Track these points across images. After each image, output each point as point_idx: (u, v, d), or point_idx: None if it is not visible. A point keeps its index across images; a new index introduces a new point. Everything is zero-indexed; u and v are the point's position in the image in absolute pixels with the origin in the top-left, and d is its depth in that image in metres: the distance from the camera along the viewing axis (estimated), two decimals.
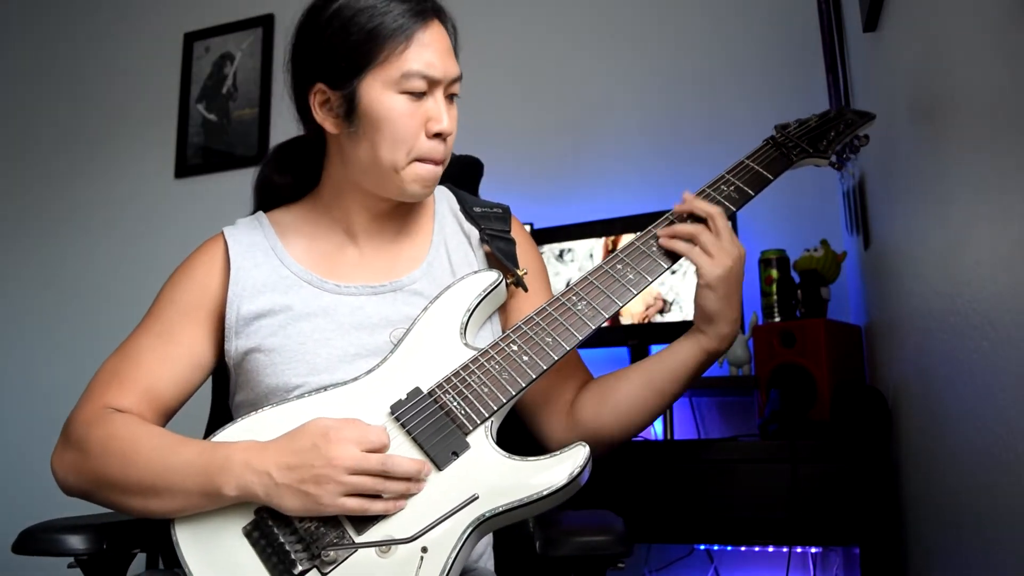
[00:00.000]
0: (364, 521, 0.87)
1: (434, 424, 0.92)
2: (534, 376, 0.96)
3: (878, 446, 1.33)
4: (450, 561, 0.84)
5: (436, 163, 1.05)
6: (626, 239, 1.05)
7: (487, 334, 1.07)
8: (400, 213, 1.13)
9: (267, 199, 1.18)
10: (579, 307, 1.01)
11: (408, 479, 0.87)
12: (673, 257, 1.05)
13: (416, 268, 1.10)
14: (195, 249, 1.12)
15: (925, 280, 1.03)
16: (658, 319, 1.84)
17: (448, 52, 1.05)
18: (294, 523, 0.88)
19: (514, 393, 0.95)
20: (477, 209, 1.17)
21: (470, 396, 0.94)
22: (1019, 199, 0.64)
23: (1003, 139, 0.68)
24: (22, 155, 2.95)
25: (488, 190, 1.37)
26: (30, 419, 2.66)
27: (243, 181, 1.23)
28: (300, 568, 0.85)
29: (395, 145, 1.01)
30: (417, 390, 0.95)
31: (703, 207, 1.05)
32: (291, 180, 1.17)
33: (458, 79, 1.05)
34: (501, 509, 0.87)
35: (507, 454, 0.91)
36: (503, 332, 1.03)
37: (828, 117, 1.20)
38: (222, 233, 1.11)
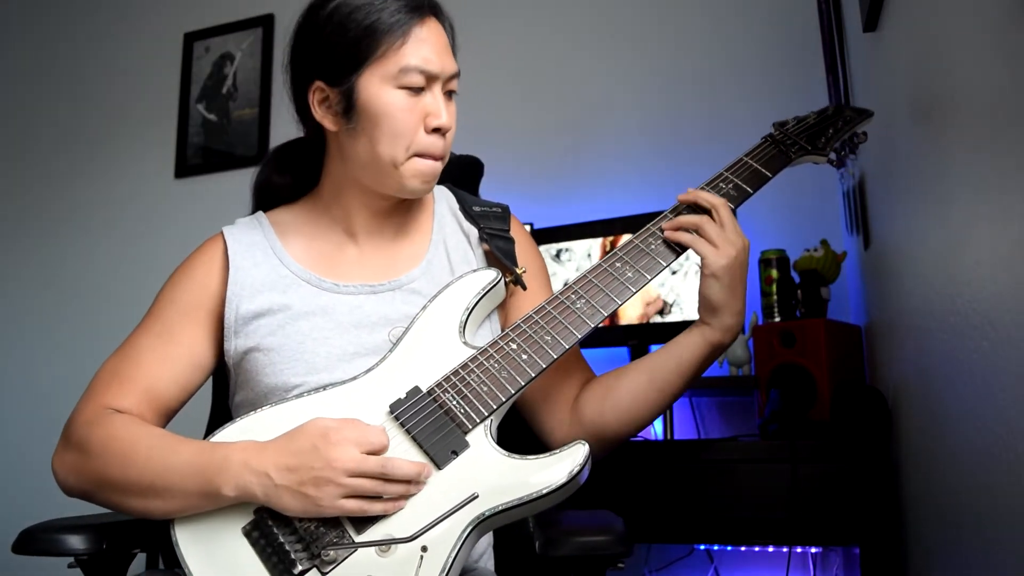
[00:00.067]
0: (364, 520, 0.87)
1: (433, 423, 0.92)
2: (533, 375, 0.96)
3: (878, 446, 1.33)
4: (450, 560, 0.84)
5: (435, 158, 1.05)
6: (626, 239, 1.05)
7: (486, 333, 1.07)
8: (400, 212, 1.13)
9: (266, 199, 1.18)
10: (578, 305, 1.01)
11: (408, 481, 0.87)
12: (672, 255, 1.05)
13: (415, 267, 1.10)
14: (195, 249, 1.12)
15: (925, 280, 1.02)
16: (658, 320, 1.85)
17: (445, 48, 1.05)
18: (294, 523, 0.87)
19: (513, 392, 0.95)
20: (476, 208, 1.17)
21: (469, 395, 0.94)
22: (1019, 199, 0.64)
23: (1003, 139, 0.68)
24: (22, 155, 2.95)
25: (488, 190, 1.37)
26: (30, 419, 2.66)
27: (243, 181, 1.23)
28: (300, 568, 0.85)
29: (394, 140, 1.01)
30: (416, 389, 0.95)
31: (707, 198, 1.05)
32: (290, 180, 1.17)
33: (456, 75, 1.06)
34: (501, 508, 0.87)
35: (507, 453, 0.91)
36: (502, 331, 1.03)
37: (826, 114, 1.20)
38: (221, 233, 1.11)
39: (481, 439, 0.92)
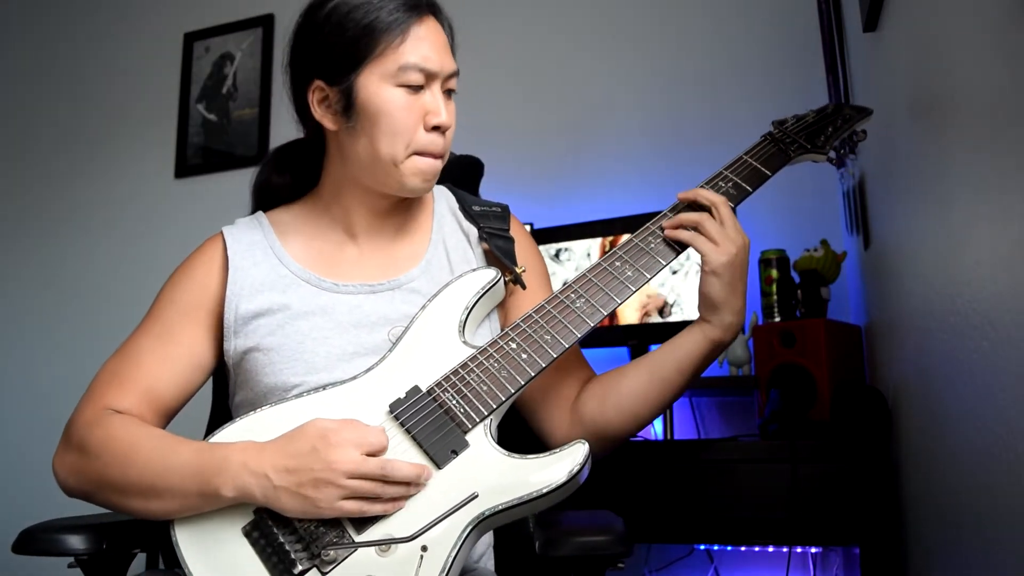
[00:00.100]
0: (364, 520, 0.87)
1: (433, 423, 0.92)
2: (533, 374, 0.96)
3: (878, 446, 1.33)
4: (450, 560, 0.84)
5: (435, 157, 1.05)
6: (626, 239, 1.05)
7: (486, 332, 1.07)
8: (399, 211, 1.13)
9: (266, 199, 1.18)
10: (578, 304, 1.01)
11: (407, 483, 0.87)
12: (672, 254, 1.05)
13: (414, 266, 1.10)
14: (194, 249, 1.12)
15: (925, 280, 1.02)
16: (658, 320, 1.85)
17: (444, 47, 1.05)
18: (294, 523, 0.87)
19: (513, 391, 0.95)
20: (476, 208, 1.17)
21: (469, 394, 0.94)
22: (1019, 199, 0.64)
23: (1003, 139, 0.68)
24: (22, 155, 2.95)
25: (488, 190, 1.37)
26: (30, 419, 2.66)
27: (243, 181, 1.23)
28: (300, 568, 0.85)
29: (393, 138, 1.02)
30: (416, 388, 0.95)
31: (707, 195, 1.05)
32: (290, 180, 1.17)
33: (455, 74, 1.06)
34: (501, 507, 0.87)
35: (506, 452, 0.91)
36: (502, 330, 1.03)
37: (826, 112, 1.20)
38: (221, 233, 1.11)
39: (481, 438, 0.92)
